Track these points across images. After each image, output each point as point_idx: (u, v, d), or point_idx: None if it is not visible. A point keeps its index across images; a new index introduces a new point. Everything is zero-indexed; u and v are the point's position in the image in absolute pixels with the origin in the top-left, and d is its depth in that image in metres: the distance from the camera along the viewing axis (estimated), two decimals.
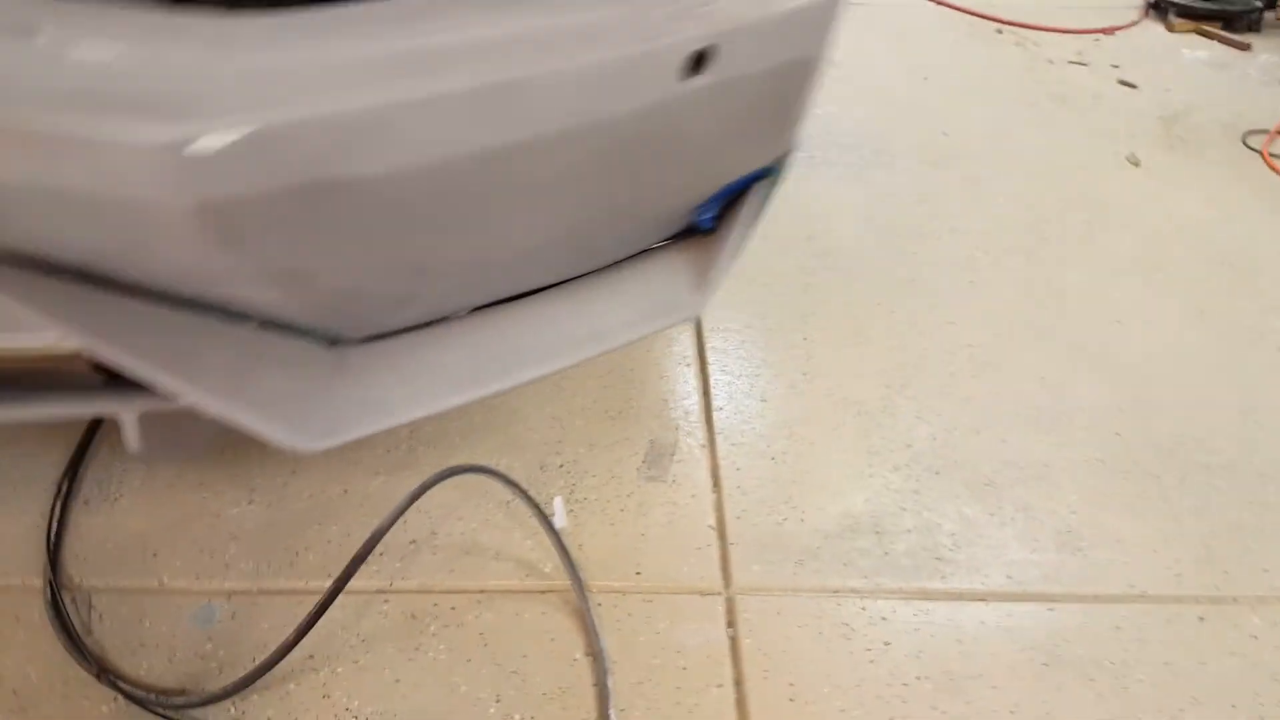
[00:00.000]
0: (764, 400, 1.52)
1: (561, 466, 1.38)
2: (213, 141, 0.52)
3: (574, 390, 1.54)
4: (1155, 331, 1.71)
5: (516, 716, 1.04)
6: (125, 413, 0.82)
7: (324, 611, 1.05)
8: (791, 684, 1.07)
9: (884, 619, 1.15)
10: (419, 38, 0.57)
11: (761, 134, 0.76)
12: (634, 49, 0.59)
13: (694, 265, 0.86)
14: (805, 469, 1.38)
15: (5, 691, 1.06)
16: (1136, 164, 2.30)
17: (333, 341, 0.76)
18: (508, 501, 1.31)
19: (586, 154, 0.64)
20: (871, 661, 1.10)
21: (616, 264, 0.84)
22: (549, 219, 0.71)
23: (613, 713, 1.03)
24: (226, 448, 1.41)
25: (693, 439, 1.44)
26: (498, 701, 1.06)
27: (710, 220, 0.85)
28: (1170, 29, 3.14)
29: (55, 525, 1.25)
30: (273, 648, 1.10)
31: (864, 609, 1.16)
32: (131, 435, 0.83)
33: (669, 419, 1.48)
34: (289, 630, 1.12)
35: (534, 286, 0.82)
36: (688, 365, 1.59)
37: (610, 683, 1.06)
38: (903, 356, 1.62)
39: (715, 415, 1.48)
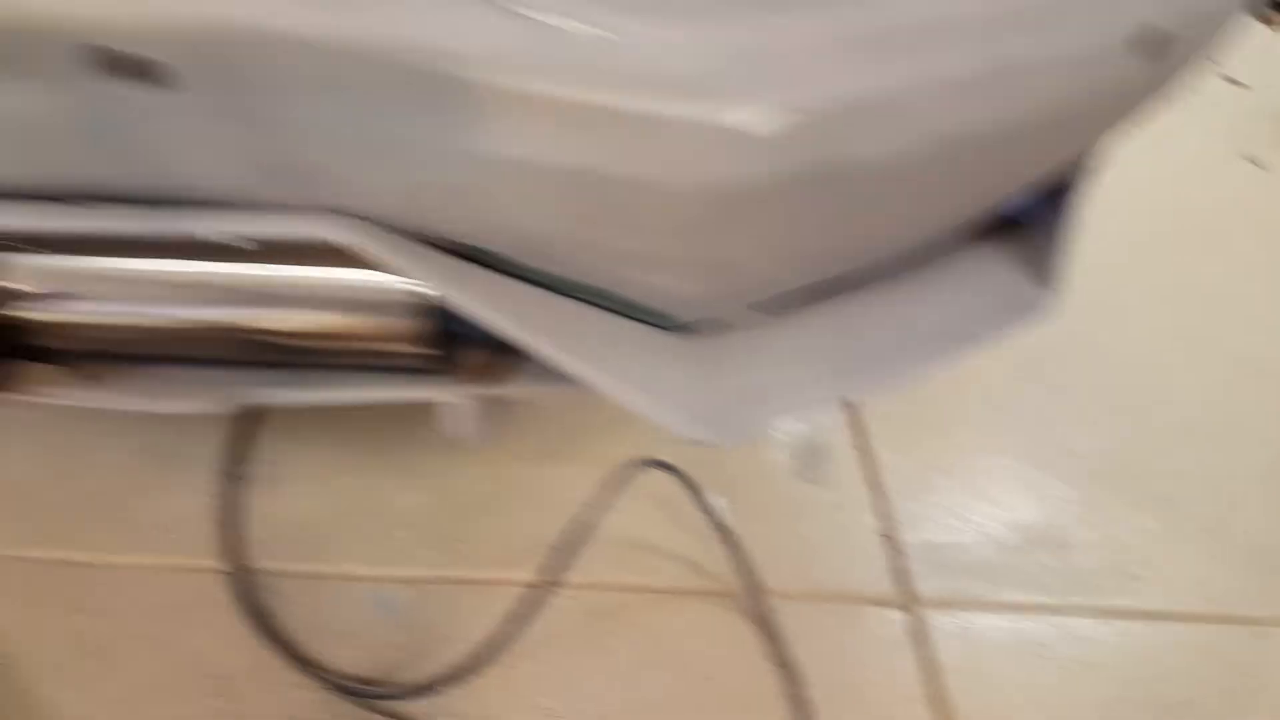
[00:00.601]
0: (914, 404, 1.47)
1: (714, 465, 1.36)
2: (765, 123, 0.52)
3: None
4: None
5: None
6: (462, 399, 0.86)
7: (540, 606, 1.06)
8: (993, 705, 1.05)
9: (1080, 638, 1.12)
10: (940, 8, 0.57)
11: (1141, 116, 0.73)
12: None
13: (1019, 258, 0.83)
14: (969, 477, 1.35)
15: (203, 677, 1.07)
16: (1256, 164, 2.20)
17: (678, 330, 0.76)
18: (666, 499, 1.30)
19: (1040, 135, 0.63)
20: (1074, 683, 1.07)
21: (938, 253, 0.81)
22: (959, 200, 0.69)
23: None
24: (384, 434, 1.41)
25: (846, 442, 1.41)
26: (692, 709, 1.05)
27: (1028, 210, 0.82)
28: (1269, 24, 3.01)
29: (227, 507, 1.26)
30: (458, 639, 1.10)
31: (1057, 626, 1.13)
32: (468, 422, 0.88)
33: (819, 421, 1.45)
34: (474, 621, 1.11)
35: (873, 272, 0.80)
36: None
37: (808, 695, 1.05)
38: (1050, 363, 1.57)
39: (866, 418, 1.45)
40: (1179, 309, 1.70)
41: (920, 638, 1.12)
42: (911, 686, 1.06)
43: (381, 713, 1.03)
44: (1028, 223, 0.83)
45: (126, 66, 0.53)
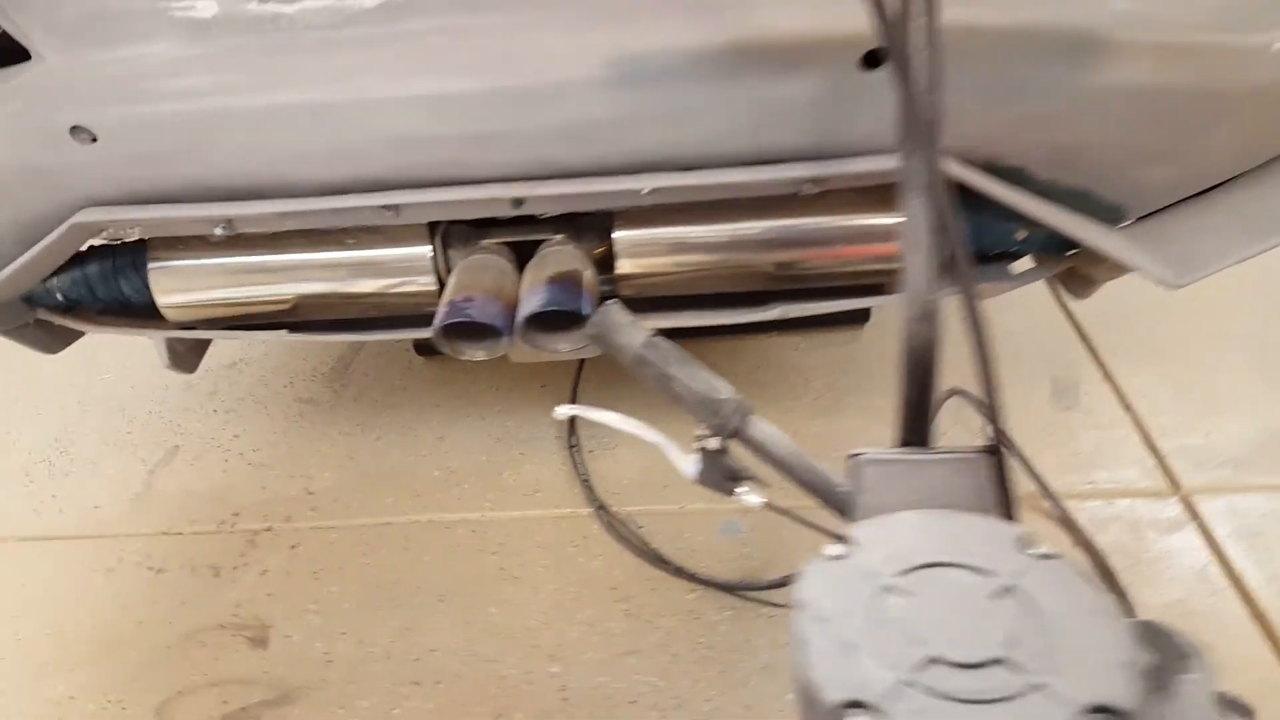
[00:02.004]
0: (1142, 340, 1.67)
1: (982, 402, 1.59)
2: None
3: (955, 340, 1.75)
4: None
5: None
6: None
7: None
8: (1268, 562, 1.23)
9: None
10: None
11: None
12: None
13: None
14: (1210, 393, 1.53)
15: (605, 589, 1.36)
16: None
17: (1115, 219, 1.06)
18: (945, 432, 1.53)
19: None
20: None
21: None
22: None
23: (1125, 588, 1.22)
24: (675, 413, 1.70)
25: (1090, 375, 1.62)
26: None
27: None
28: None
29: (582, 468, 1.57)
30: (798, 550, 1.36)
31: None
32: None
33: (1060, 361, 1.66)
34: (802, 537, 1.37)
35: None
36: (1061, 316, 1.77)
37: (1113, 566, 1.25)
38: (1270, 292, 1.74)
39: (1103, 354, 1.66)
40: None
41: (1196, 517, 1.31)
42: (1197, 553, 1.26)
43: (755, 600, 1.29)
44: None
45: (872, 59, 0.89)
